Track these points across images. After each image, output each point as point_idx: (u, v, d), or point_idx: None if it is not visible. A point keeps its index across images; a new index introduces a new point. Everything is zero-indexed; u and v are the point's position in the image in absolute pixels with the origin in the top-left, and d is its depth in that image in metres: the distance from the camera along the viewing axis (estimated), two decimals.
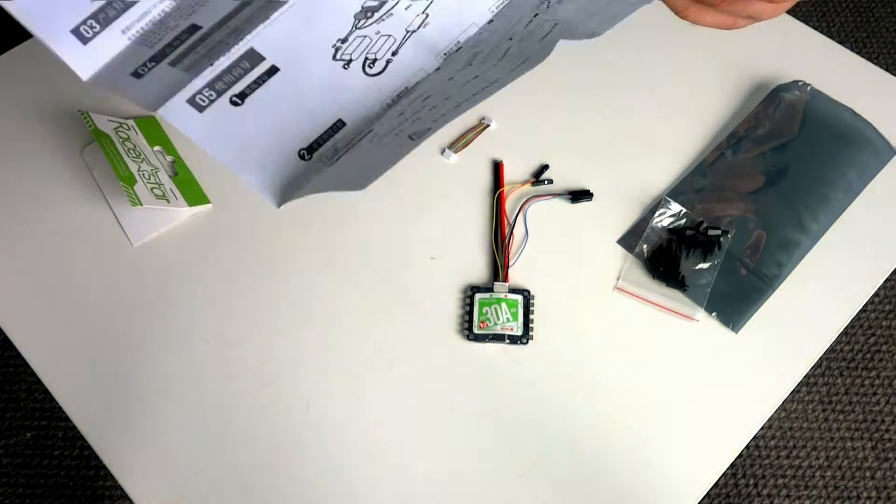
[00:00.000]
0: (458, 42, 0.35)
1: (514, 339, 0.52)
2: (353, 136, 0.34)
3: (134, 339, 0.52)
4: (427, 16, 0.34)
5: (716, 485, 1.08)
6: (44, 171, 0.59)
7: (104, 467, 0.85)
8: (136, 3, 0.30)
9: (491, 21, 0.35)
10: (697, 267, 0.54)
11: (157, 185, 0.55)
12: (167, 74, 0.31)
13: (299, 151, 0.33)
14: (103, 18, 0.30)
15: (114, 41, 0.30)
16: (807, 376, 1.14)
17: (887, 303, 1.22)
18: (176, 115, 0.31)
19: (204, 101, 0.31)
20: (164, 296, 0.54)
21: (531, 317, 0.52)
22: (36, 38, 0.29)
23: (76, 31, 0.30)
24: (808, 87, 0.60)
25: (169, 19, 0.31)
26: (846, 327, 0.57)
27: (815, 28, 0.67)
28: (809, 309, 0.54)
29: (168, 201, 0.55)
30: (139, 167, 0.55)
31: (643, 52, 0.66)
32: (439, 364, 0.51)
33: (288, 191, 0.33)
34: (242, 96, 0.32)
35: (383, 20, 0.34)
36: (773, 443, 1.11)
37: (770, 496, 1.07)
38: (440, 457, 0.49)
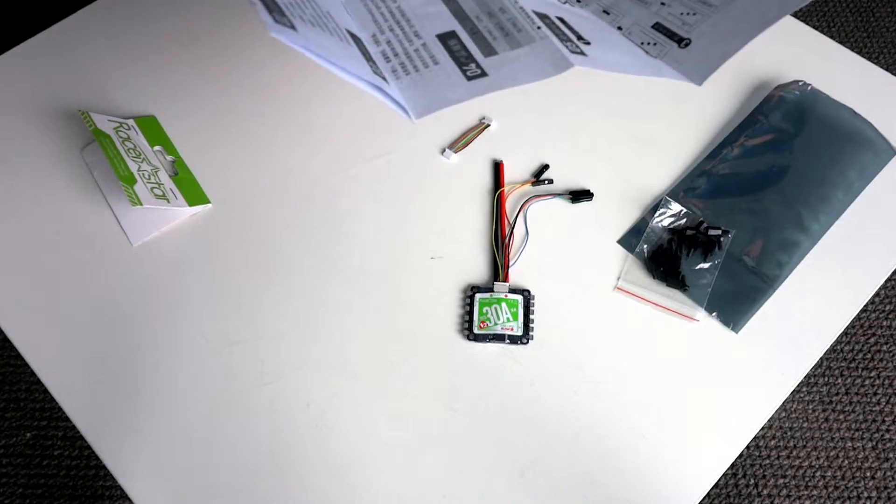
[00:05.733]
0: None
1: (514, 339, 0.52)
2: None
3: (134, 338, 0.52)
4: None
5: (716, 485, 1.08)
6: (44, 171, 0.59)
7: (104, 467, 0.85)
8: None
9: None
10: (698, 267, 0.54)
11: (157, 185, 0.55)
12: None
13: None
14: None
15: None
16: (807, 376, 1.14)
17: (887, 303, 1.22)
18: None
19: None
20: (164, 296, 0.54)
21: (531, 317, 0.52)
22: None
23: None
24: (809, 87, 0.60)
25: None
26: (846, 327, 0.57)
27: (815, 28, 0.67)
28: (810, 309, 0.54)
29: (168, 201, 0.55)
30: (139, 167, 0.55)
31: None
32: (439, 364, 0.51)
33: None
34: None
35: None
36: (773, 443, 1.11)
37: (770, 496, 1.07)
38: (440, 457, 0.49)
